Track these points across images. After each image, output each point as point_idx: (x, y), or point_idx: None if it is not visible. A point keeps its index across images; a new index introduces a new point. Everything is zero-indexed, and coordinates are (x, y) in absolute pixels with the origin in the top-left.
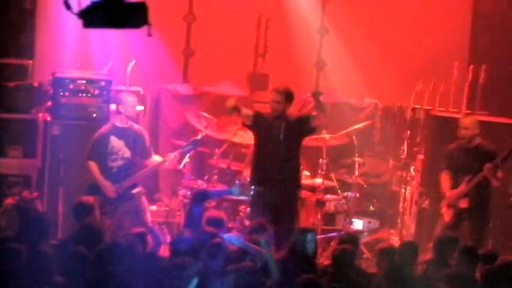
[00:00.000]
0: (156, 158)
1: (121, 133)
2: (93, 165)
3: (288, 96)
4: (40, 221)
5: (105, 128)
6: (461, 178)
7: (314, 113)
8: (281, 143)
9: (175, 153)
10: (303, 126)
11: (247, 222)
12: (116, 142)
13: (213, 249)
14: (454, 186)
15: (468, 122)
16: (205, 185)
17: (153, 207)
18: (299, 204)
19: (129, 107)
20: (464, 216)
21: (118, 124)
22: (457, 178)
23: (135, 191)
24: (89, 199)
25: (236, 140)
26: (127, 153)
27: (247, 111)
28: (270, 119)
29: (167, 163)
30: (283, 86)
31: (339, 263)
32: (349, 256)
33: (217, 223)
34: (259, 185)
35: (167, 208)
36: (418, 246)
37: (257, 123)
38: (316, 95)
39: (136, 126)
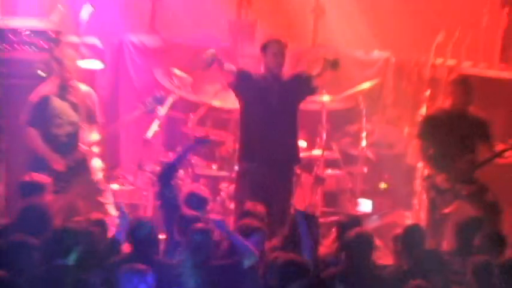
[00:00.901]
0: (94, 135)
1: (65, 93)
2: (33, 133)
3: (284, 50)
4: None
5: (45, 88)
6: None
7: (316, 71)
8: (275, 108)
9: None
10: (302, 86)
11: (230, 204)
12: (58, 103)
13: (197, 237)
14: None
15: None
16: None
17: (114, 186)
18: (294, 182)
19: (65, 72)
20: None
21: (60, 83)
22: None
23: (91, 165)
24: (41, 177)
25: (216, 103)
26: (73, 117)
27: (230, 66)
28: (259, 78)
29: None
30: (280, 38)
31: (352, 254)
32: (367, 244)
33: (198, 203)
34: (248, 160)
35: (132, 187)
36: (424, 231)
37: (243, 83)
38: (330, 63)
39: (83, 86)
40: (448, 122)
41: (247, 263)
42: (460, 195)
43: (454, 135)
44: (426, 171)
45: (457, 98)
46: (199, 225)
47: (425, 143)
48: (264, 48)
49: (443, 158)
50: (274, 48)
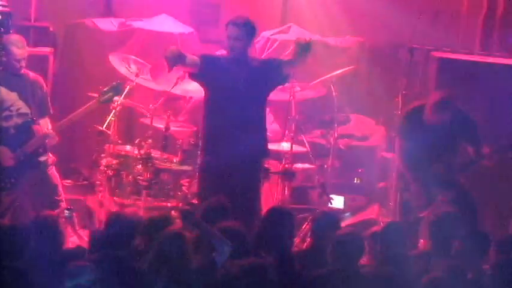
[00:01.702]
0: (48, 125)
1: (12, 82)
2: None
3: (251, 32)
4: None
5: None
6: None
7: (287, 56)
8: (241, 96)
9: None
10: (272, 73)
11: (192, 200)
12: (5, 94)
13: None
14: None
15: None
16: (135, 151)
17: (67, 181)
18: (262, 177)
19: (12, 60)
20: None
21: (8, 72)
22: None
23: (42, 158)
24: None
25: (177, 91)
26: (24, 108)
27: (192, 58)
28: (225, 64)
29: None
30: (243, 17)
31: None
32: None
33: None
34: (212, 153)
35: (86, 182)
36: (404, 229)
37: (207, 71)
38: (303, 47)
39: (31, 73)
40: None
41: (221, 258)
42: (435, 200)
43: (434, 135)
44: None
45: (440, 117)
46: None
47: (403, 140)
48: (227, 30)
49: (421, 160)
50: (229, 32)
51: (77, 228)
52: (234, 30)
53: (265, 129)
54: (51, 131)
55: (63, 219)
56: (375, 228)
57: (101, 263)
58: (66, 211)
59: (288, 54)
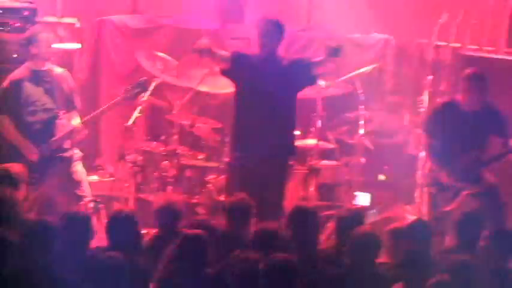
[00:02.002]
0: (75, 119)
1: (38, 78)
2: (5, 121)
3: (281, 30)
4: None
5: (17, 73)
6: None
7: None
8: (270, 94)
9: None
10: (301, 73)
11: (218, 197)
12: (32, 89)
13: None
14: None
15: None
16: (161, 148)
17: (94, 177)
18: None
19: (43, 47)
20: None
21: (34, 67)
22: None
23: (67, 154)
24: (16, 167)
25: (203, 88)
26: (49, 104)
27: (223, 53)
28: (255, 61)
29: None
30: (273, 16)
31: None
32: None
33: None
34: (240, 150)
35: (112, 178)
36: (430, 227)
37: (238, 68)
38: (333, 51)
39: (58, 69)
40: (458, 116)
41: None
42: (462, 194)
43: (463, 130)
44: (428, 166)
45: (472, 95)
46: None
47: (431, 137)
48: (261, 30)
49: (448, 154)
50: (263, 30)
51: (104, 220)
52: (265, 28)
53: (293, 128)
54: (79, 125)
55: (91, 211)
56: (394, 225)
57: None
58: (93, 203)
59: (317, 54)
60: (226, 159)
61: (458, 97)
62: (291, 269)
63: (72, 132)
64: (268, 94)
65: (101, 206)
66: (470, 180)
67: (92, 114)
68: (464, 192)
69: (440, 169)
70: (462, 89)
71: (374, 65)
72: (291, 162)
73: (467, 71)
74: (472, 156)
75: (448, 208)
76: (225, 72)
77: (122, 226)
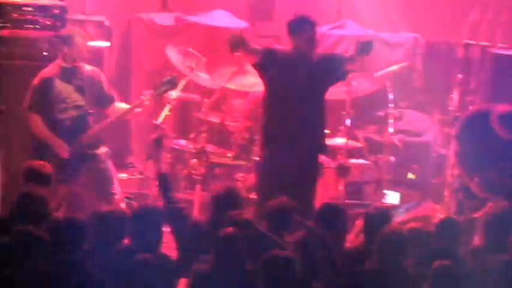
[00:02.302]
0: (121, 105)
1: (69, 75)
2: (36, 118)
3: (315, 29)
4: None
5: (47, 70)
6: None
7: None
8: (301, 91)
9: (147, 96)
10: (332, 69)
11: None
12: (62, 87)
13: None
14: None
15: None
16: (190, 146)
17: (123, 175)
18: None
19: (73, 52)
20: None
21: (65, 65)
22: None
23: (98, 151)
24: (44, 165)
25: (232, 86)
26: (79, 101)
27: (254, 46)
28: (286, 58)
29: (139, 109)
30: (307, 15)
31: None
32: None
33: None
34: (270, 147)
35: (141, 176)
36: (458, 225)
37: (269, 63)
38: (364, 47)
39: (88, 66)
40: (490, 128)
41: None
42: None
43: (494, 142)
44: (457, 171)
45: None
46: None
47: (462, 144)
48: (294, 29)
49: (479, 163)
50: (300, 28)
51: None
52: (306, 27)
53: (323, 125)
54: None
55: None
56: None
57: None
58: (126, 199)
59: (346, 52)
60: (256, 158)
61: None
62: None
63: (103, 130)
64: (298, 90)
65: (134, 203)
66: (500, 193)
67: (121, 112)
68: (492, 203)
69: (470, 177)
70: (497, 123)
71: (403, 64)
72: (320, 161)
73: (502, 109)
74: (501, 168)
75: (476, 215)
76: (256, 65)
77: (147, 221)
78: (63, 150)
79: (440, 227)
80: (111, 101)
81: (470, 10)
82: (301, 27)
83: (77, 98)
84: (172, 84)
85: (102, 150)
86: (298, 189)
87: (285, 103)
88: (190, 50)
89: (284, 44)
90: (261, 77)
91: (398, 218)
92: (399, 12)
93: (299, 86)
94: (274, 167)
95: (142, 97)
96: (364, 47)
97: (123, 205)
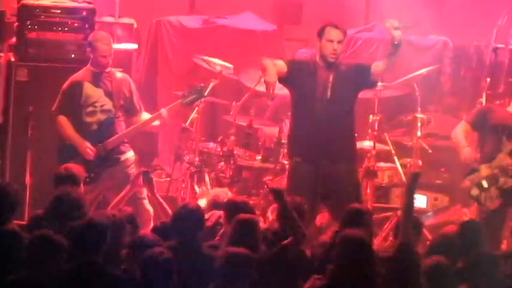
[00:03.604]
0: (145, 116)
1: (98, 80)
2: (64, 121)
3: (346, 36)
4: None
5: (78, 74)
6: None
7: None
8: (328, 99)
9: (164, 110)
10: (360, 78)
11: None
12: (91, 90)
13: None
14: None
15: None
16: (218, 148)
17: None
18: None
19: (98, 56)
20: None
21: (95, 69)
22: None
23: (123, 156)
24: (75, 168)
25: (261, 88)
26: (108, 105)
27: (279, 63)
28: (313, 67)
29: (157, 122)
30: (337, 22)
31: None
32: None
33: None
34: (298, 155)
35: (168, 179)
36: (480, 228)
37: (295, 76)
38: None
39: (119, 73)
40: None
41: None
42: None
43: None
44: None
45: None
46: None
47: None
48: (320, 33)
49: (491, 151)
50: (330, 35)
51: (155, 191)
52: (336, 33)
53: (352, 132)
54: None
55: (142, 182)
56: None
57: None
58: (144, 173)
59: (376, 52)
60: (286, 164)
61: None
62: None
63: (129, 134)
64: (325, 99)
65: (152, 176)
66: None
67: (142, 122)
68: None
69: (482, 167)
70: None
71: (432, 67)
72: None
73: None
74: None
75: (492, 206)
76: (280, 80)
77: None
78: (88, 152)
79: (463, 229)
80: (138, 111)
81: (499, 13)
82: (332, 31)
83: (105, 103)
84: (200, 93)
85: (128, 155)
86: (336, 196)
87: (312, 111)
88: (216, 60)
89: (313, 47)
90: (287, 88)
91: (427, 221)
92: (428, 15)
93: (325, 94)
94: (302, 174)
95: (163, 110)
96: (396, 47)
97: (148, 207)
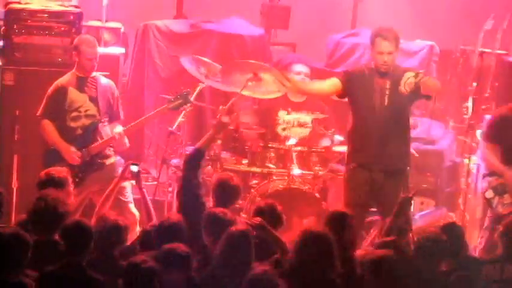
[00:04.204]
0: (117, 128)
1: (83, 85)
2: (48, 125)
3: (399, 43)
4: None
5: (63, 79)
6: None
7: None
8: (385, 107)
9: (120, 129)
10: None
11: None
12: (76, 95)
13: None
14: None
15: None
16: None
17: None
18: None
19: (83, 60)
20: None
21: (79, 74)
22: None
23: (108, 161)
24: (61, 171)
25: (247, 93)
26: (92, 110)
27: (332, 82)
28: (369, 77)
29: (116, 137)
30: (390, 29)
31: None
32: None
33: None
34: (356, 162)
35: (155, 182)
36: (464, 231)
37: (351, 88)
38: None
39: (104, 79)
40: None
41: None
42: None
43: None
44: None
45: None
46: (239, 227)
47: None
48: (371, 43)
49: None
50: (379, 47)
51: (142, 184)
52: (386, 45)
53: (408, 140)
54: (119, 134)
55: (130, 174)
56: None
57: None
58: (132, 166)
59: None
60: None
61: None
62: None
63: (112, 141)
64: (384, 106)
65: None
66: None
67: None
68: None
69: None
70: None
71: (418, 71)
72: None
73: None
74: None
75: (504, 211)
76: (341, 96)
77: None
78: (73, 157)
79: (445, 232)
80: (119, 118)
81: (486, 18)
82: (382, 42)
83: (89, 108)
84: (186, 98)
85: (113, 159)
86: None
87: (369, 120)
88: (204, 59)
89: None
90: (348, 101)
91: (414, 225)
92: (414, 20)
93: (383, 102)
94: (360, 181)
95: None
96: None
97: (134, 210)
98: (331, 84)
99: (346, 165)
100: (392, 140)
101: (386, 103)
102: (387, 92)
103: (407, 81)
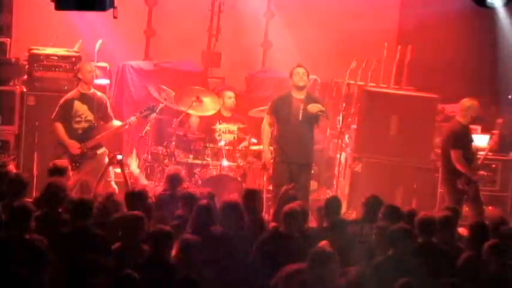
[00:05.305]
0: (116, 123)
1: (85, 98)
2: (59, 126)
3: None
4: (16, 181)
5: (70, 94)
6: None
7: None
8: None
9: (134, 117)
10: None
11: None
12: (79, 106)
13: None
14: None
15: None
16: (164, 150)
17: (117, 170)
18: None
19: (86, 72)
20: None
21: (82, 91)
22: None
23: (99, 151)
24: (62, 162)
25: (191, 111)
26: (90, 117)
27: (267, 118)
28: (286, 101)
29: (127, 126)
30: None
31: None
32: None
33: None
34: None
35: (129, 170)
36: (341, 201)
37: (277, 109)
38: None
39: (99, 93)
40: (467, 133)
41: None
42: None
43: (470, 143)
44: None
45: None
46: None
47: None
48: (290, 73)
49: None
50: (297, 69)
51: (126, 169)
52: (300, 69)
53: (313, 142)
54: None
55: (116, 161)
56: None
57: None
58: (118, 155)
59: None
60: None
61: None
62: None
63: (103, 138)
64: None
65: (124, 158)
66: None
67: (115, 127)
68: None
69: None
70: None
71: None
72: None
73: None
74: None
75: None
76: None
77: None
78: (75, 148)
79: (327, 202)
80: (110, 119)
81: (351, 59)
82: (292, 72)
83: (88, 115)
84: (152, 110)
85: (102, 150)
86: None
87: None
88: (163, 87)
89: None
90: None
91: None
92: (304, 61)
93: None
94: (281, 171)
95: (130, 119)
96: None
97: (114, 185)
98: (268, 120)
99: (273, 159)
100: (302, 142)
101: (300, 117)
102: (301, 110)
103: (312, 108)
